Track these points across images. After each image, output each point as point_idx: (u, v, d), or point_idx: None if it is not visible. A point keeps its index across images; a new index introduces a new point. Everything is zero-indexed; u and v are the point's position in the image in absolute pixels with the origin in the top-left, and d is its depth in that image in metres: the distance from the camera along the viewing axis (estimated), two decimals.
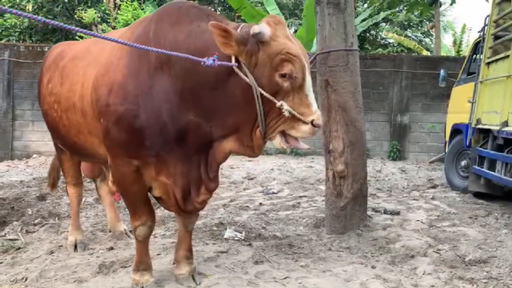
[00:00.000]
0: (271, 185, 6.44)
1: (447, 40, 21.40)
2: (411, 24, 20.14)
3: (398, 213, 4.58)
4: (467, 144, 5.39)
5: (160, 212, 4.78)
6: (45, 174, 6.73)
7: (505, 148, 4.48)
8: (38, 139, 9.66)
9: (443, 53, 14.31)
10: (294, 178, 6.90)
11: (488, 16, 5.23)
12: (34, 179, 6.34)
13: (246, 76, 2.17)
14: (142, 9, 10.77)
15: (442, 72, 6.84)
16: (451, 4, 10.04)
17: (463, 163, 5.97)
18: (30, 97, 9.63)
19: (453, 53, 17.09)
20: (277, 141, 2.30)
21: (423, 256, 3.50)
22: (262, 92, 2.15)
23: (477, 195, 5.46)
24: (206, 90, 2.31)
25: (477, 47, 6.14)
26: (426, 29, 21.07)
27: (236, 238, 3.88)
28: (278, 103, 2.15)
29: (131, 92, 2.38)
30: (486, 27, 5.33)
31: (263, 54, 2.13)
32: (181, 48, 2.29)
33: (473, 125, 5.22)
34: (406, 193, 5.93)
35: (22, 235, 3.99)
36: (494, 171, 4.77)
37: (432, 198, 5.46)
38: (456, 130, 6.19)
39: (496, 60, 4.82)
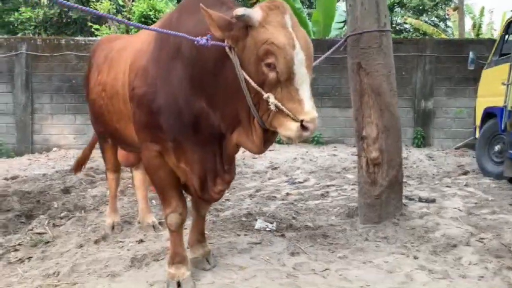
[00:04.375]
0: (296, 174, 6.30)
1: (466, 24, 20.91)
2: (425, 8, 19.67)
3: (433, 201, 4.40)
4: (502, 128, 5.16)
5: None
6: (67, 167, 6.72)
7: None
8: (58, 132, 9.65)
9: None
10: (319, 167, 6.74)
11: None
12: (56, 172, 6.31)
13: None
14: None
15: (471, 54, 6.59)
16: None
17: (496, 148, 5.75)
18: (49, 90, 9.61)
19: (472, 36, 16.64)
20: (280, 134, 2.13)
21: (466, 245, 3.34)
22: (248, 79, 2.03)
23: None
24: (209, 77, 2.27)
25: (509, 27, 5.88)
26: (442, 13, 20.59)
27: (267, 229, 3.77)
28: (265, 95, 2.00)
29: (151, 75, 2.45)
30: None
31: (251, 40, 2.01)
32: (191, 35, 2.25)
33: (509, 108, 4.99)
34: (438, 180, 5.73)
35: (49, 228, 3.94)
36: None
37: (466, 185, 5.26)
38: (488, 114, 5.95)
39: None
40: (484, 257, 3.11)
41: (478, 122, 6.35)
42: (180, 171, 2.58)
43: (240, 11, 1.95)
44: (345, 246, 3.37)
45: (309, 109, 1.98)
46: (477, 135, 6.49)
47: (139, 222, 3.96)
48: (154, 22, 10.39)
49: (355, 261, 3.07)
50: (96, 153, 9.14)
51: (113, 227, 3.83)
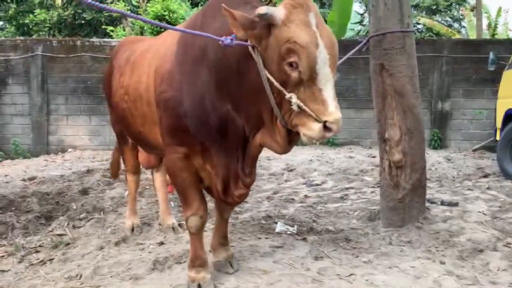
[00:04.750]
0: (313, 176, 6.24)
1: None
2: (439, 9, 19.47)
3: (456, 204, 4.32)
4: None
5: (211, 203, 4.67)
6: (83, 168, 6.75)
7: None
8: (73, 133, 9.71)
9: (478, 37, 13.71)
10: (336, 169, 6.67)
11: None
12: (73, 173, 6.32)
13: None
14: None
15: (491, 55, 6.48)
16: None
17: None
18: (64, 91, 9.67)
19: (487, 37, 16.41)
20: (301, 135, 2.08)
21: (493, 250, 3.26)
22: (271, 79, 2.00)
23: None
24: (234, 78, 2.25)
25: None
26: (457, 14, 20.36)
27: (288, 232, 3.73)
28: (288, 95, 1.97)
29: (176, 79, 2.42)
30: None
31: (273, 38, 1.98)
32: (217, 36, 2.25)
33: None
34: (458, 183, 5.63)
35: (69, 230, 3.93)
36: None
37: (488, 188, 5.16)
38: (510, 116, 5.83)
39: None
40: None
41: (499, 124, 6.23)
42: (205, 174, 2.57)
43: (262, 9, 1.92)
44: (369, 250, 3.31)
45: (332, 109, 1.94)
46: (498, 137, 6.38)
47: (159, 224, 3.95)
48: (168, 23, 10.41)
49: (381, 266, 3.01)
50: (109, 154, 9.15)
51: (132, 229, 3.82)
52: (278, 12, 1.94)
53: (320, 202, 4.79)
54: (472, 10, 14.18)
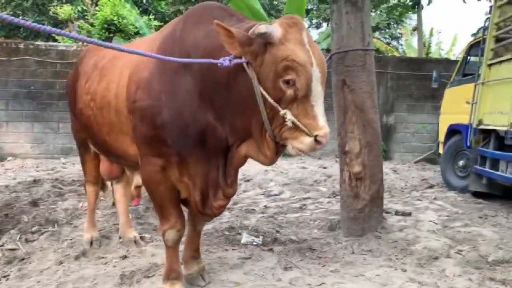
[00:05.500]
0: (270, 186, 6.33)
1: (414, 43, 22.02)
2: (379, 27, 20.54)
3: (409, 214, 4.56)
4: (468, 145, 5.45)
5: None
6: (29, 178, 6.39)
7: None
8: (13, 141, 9.17)
9: (412, 55, 14.61)
10: (291, 179, 6.81)
11: (488, 18, 5.31)
12: (19, 183, 5.96)
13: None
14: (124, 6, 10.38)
15: (435, 73, 6.94)
16: (428, 4, 10.18)
17: (460, 163, 6.05)
18: (4, 96, 9.13)
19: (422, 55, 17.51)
20: (289, 147, 2.15)
21: (447, 257, 3.48)
22: (265, 95, 2.04)
23: (476, 194, 5.54)
24: (220, 90, 2.26)
25: (471, 49, 6.26)
26: (395, 32, 21.56)
27: (254, 243, 3.76)
28: (282, 112, 2.02)
29: (155, 89, 2.38)
30: (486, 29, 5.41)
31: (270, 56, 2.01)
32: (199, 48, 2.30)
33: (474, 126, 5.28)
34: (407, 193, 5.94)
35: (21, 244, 3.71)
36: (498, 171, 4.84)
37: (435, 199, 5.49)
38: (452, 131, 6.26)
39: (500, 62, 4.89)
40: (466, 269, 3.25)
41: (441, 138, 6.66)
42: (182, 186, 2.53)
43: (262, 28, 1.95)
44: (334, 259, 3.41)
45: (323, 124, 2.02)
46: (440, 150, 6.82)
47: (120, 237, 3.83)
48: (118, 28, 10.16)
49: (348, 274, 3.11)
50: (57, 163, 8.74)
51: (91, 243, 3.67)
52: (276, 30, 1.98)
53: (280, 212, 4.87)
54: (414, 30, 15.07)
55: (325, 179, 6.73)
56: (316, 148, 2.04)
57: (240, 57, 2.06)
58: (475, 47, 6.06)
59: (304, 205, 5.19)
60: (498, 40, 5.12)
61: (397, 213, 4.57)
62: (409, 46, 17.25)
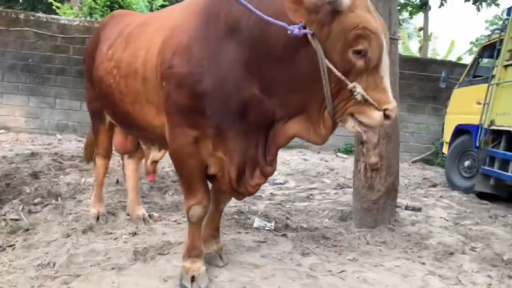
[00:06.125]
0: (274, 175, 6.21)
1: (412, 47, 22.13)
2: None
3: (420, 210, 4.52)
4: (477, 145, 5.43)
5: (178, 197, 4.48)
6: (26, 151, 6.19)
7: None
8: (7, 113, 8.91)
9: None
10: (294, 170, 6.73)
11: (506, 19, 5.28)
12: (17, 155, 5.76)
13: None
14: None
15: (444, 73, 6.92)
16: (439, 7, 10.13)
17: (466, 163, 6.04)
18: (0, 67, 8.84)
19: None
20: (350, 124, 2.03)
21: (462, 253, 3.44)
22: (332, 68, 1.90)
23: (480, 195, 5.52)
24: (273, 62, 2.10)
25: (484, 51, 6.24)
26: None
27: (266, 228, 3.67)
28: (351, 85, 1.90)
29: (196, 55, 2.21)
30: (502, 31, 5.38)
31: (338, 25, 1.87)
32: (251, 14, 2.09)
33: (485, 126, 5.26)
34: (412, 190, 5.91)
35: (24, 215, 3.56)
36: (507, 171, 4.82)
37: (441, 197, 5.46)
38: (460, 131, 6.24)
39: None
40: (482, 266, 3.20)
41: (447, 138, 6.64)
42: (214, 161, 2.40)
43: None
44: (350, 248, 3.35)
45: (392, 97, 1.92)
46: (445, 150, 6.80)
47: (127, 214, 3.71)
48: (121, 6, 9.92)
49: (367, 264, 3.04)
50: (53, 139, 8.51)
51: (98, 218, 3.55)
52: None
53: (287, 200, 4.79)
54: (420, 30, 15.08)
55: (328, 172, 6.67)
56: (384, 124, 1.94)
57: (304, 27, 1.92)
58: (488, 48, 6.04)
59: (311, 195, 5.11)
60: None
61: (407, 207, 4.52)
62: (406, 49, 17.26)
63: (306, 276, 2.71)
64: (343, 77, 1.89)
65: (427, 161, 9.51)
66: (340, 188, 5.48)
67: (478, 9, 8.03)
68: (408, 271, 2.95)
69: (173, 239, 3.20)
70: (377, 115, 1.92)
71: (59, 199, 4.06)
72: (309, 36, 1.90)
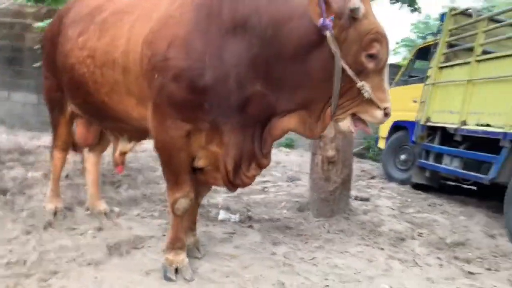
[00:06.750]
0: None
1: None
2: None
3: (368, 200, 4.83)
4: (413, 139, 5.89)
5: (133, 191, 4.38)
6: None
7: (462, 144, 5.01)
8: None
9: None
10: None
11: (441, 25, 5.77)
12: None
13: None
14: None
15: None
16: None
17: (402, 157, 6.51)
18: None
19: None
20: (345, 124, 2.20)
21: (412, 239, 3.75)
22: (347, 69, 2.04)
23: (415, 186, 6.01)
24: (283, 60, 2.17)
25: (419, 53, 6.76)
26: None
27: (232, 220, 3.74)
28: (360, 83, 2.06)
29: (197, 49, 2.21)
30: (437, 35, 5.89)
31: (354, 31, 2.03)
32: (263, 14, 2.17)
33: (421, 123, 5.72)
34: (354, 182, 6.21)
35: None
36: (441, 164, 5.31)
37: (382, 188, 5.87)
38: (396, 127, 6.72)
39: (452, 66, 5.35)
40: (430, 249, 3.54)
41: (383, 133, 7.11)
42: (206, 154, 2.41)
43: (356, 3, 1.94)
44: (314, 237, 3.51)
45: (389, 97, 2.11)
46: (381, 145, 7.28)
47: (87, 209, 3.58)
48: None
49: (333, 250, 3.23)
50: None
51: (55, 213, 3.39)
52: (361, 5, 1.98)
53: (244, 193, 4.86)
54: None
55: (276, 165, 6.83)
56: (383, 121, 2.12)
57: (313, 28, 2.02)
58: (423, 50, 6.55)
59: (266, 187, 5.25)
60: (450, 45, 5.59)
61: (356, 198, 4.82)
62: None
63: (283, 264, 2.83)
64: (355, 77, 2.03)
65: (359, 155, 10.05)
66: (292, 181, 5.67)
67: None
68: (371, 256, 3.17)
69: (142, 233, 3.17)
70: (379, 114, 2.10)
71: (7, 194, 3.81)
72: (329, 38, 1.99)
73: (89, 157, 3.57)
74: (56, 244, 2.84)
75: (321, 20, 1.98)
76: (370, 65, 2.05)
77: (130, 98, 2.53)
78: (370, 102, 2.08)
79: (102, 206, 3.56)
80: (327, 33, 1.98)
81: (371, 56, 2.03)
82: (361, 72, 2.05)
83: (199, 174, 2.57)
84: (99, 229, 3.22)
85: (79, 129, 3.38)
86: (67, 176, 4.51)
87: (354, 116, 2.21)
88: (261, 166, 2.48)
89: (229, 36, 2.20)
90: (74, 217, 3.49)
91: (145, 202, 4.21)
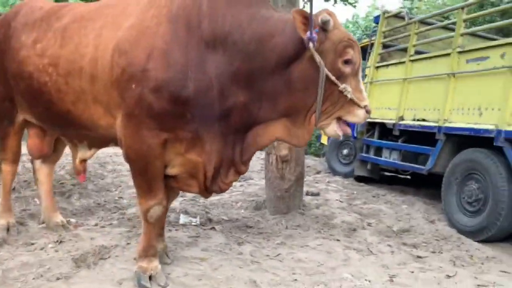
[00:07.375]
0: None
1: None
2: None
3: (318, 194, 5.07)
4: (354, 135, 6.24)
5: (85, 201, 4.28)
6: None
7: (400, 138, 5.40)
8: None
9: None
10: None
11: (375, 27, 6.16)
12: None
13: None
14: None
15: None
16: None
17: (345, 152, 6.87)
18: None
19: None
20: (331, 128, 2.34)
21: (362, 229, 4.02)
22: (330, 76, 2.18)
23: (357, 179, 6.38)
24: (266, 72, 2.28)
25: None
26: None
27: (193, 224, 3.79)
28: (342, 86, 2.21)
29: (178, 61, 2.26)
30: (372, 36, 6.27)
31: (328, 41, 2.20)
32: (246, 31, 2.28)
33: None
34: None
35: None
36: (381, 157, 5.69)
37: (329, 182, 6.16)
38: None
39: (387, 65, 5.74)
40: (381, 237, 3.82)
41: None
42: (183, 161, 2.44)
43: (326, 17, 2.12)
44: (274, 234, 3.66)
45: (366, 95, 2.31)
46: (323, 141, 7.62)
47: (43, 222, 3.47)
48: None
49: (294, 245, 3.39)
50: None
51: (8, 229, 3.26)
52: (329, 18, 2.15)
53: (198, 196, 4.91)
54: None
55: None
56: (366, 119, 2.30)
57: (296, 43, 2.17)
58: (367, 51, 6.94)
59: None
60: (384, 46, 5.99)
61: (307, 193, 5.04)
62: None
63: (251, 263, 2.94)
64: (337, 82, 2.18)
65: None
66: (244, 181, 5.79)
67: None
68: (330, 248, 3.38)
69: (105, 243, 3.12)
70: (361, 112, 2.27)
71: None
72: (312, 50, 2.13)
73: (41, 168, 3.46)
74: (17, 261, 2.75)
75: (308, 33, 2.12)
76: (347, 69, 2.22)
77: (97, 106, 2.52)
78: (352, 102, 2.24)
79: (58, 218, 3.47)
80: (310, 45, 2.12)
81: (347, 62, 2.20)
82: (339, 77, 2.21)
83: (171, 181, 2.59)
84: (59, 242, 3.15)
85: (32, 140, 3.25)
86: (14, 189, 4.29)
87: (339, 120, 2.35)
88: (239, 173, 2.56)
89: (209, 50, 2.28)
90: (28, 232, 3.38)
91: (101, 211, 4.15)
